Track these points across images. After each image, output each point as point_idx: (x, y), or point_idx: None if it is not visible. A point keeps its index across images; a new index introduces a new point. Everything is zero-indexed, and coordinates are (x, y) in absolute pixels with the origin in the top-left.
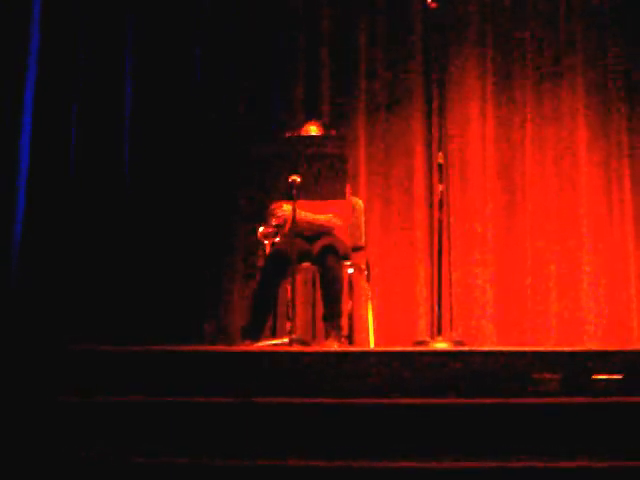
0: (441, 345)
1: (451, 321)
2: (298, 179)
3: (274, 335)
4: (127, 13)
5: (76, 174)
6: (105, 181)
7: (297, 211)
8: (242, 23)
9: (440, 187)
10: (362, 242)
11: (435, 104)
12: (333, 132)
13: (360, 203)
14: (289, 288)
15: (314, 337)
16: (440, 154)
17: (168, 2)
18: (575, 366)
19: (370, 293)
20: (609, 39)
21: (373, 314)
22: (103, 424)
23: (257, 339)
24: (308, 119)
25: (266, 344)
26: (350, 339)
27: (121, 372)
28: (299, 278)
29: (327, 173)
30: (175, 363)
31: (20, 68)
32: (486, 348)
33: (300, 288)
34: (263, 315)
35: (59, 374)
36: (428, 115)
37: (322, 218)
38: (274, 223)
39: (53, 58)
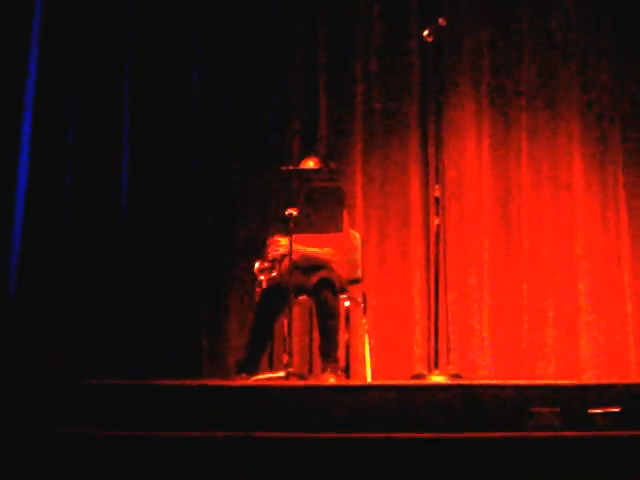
0: (438, 379)
1: (448, 354)
2: (295, 212)
3: (271, 368)
4: (125, 42)
5: (74, 208)
6: (103, 213)
7: (294, 245)
8: (239, 56)
9: (436, 220)
10: (359, 275)
11: (431, 137)
12: (332, 165)
13: (357, 236)
14: (286, 321)
15: (311, 370)
16: (437, 187)
17: (163, 39)
18: (573, 400)
19: (367, 326)
20: (603, 70)
21: (370, 347)
22: (97, 458)
23: (253, 373)
24: (305, 153)
25: (262, 378)
26: (347, 372)
27: (114, 406)
28: (296, 311)
29: (324, 206)
30: (170, 397)
31: (17, 102)
32: (484, 382)
33: (297, 321)
34: (259, 348)
35: (56, 406)
36: (425, 148)
37: (319, 251)
38: (270, 257)
39: (51, 88)
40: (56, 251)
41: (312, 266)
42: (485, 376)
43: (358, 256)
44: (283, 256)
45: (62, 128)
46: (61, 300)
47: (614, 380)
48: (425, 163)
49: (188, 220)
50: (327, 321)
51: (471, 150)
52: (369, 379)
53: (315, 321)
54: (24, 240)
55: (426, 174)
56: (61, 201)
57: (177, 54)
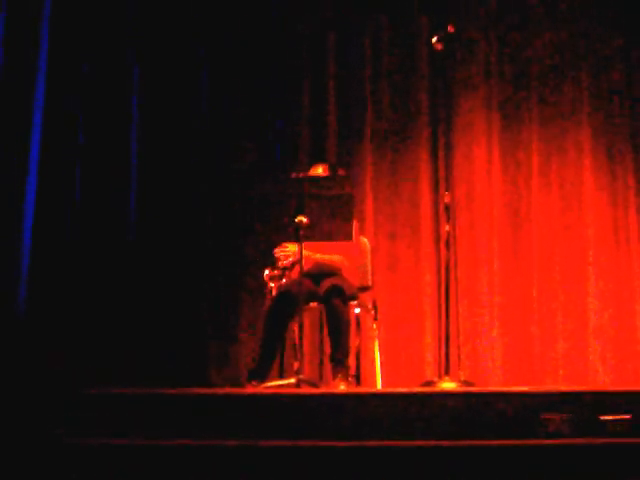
0: (449, 386)
1: (459, 361)
2: (305, 220)
3: (281, 376)
4: (131, 61)
5: (82, 217)
6: (111, 224)
7: (304, 252)
8: (246, 61)
9: (447, 227)
10: (369, 282)
11: (441, 143)
12: (341, 172)
13: (367, 243)
14: (296, 328)
15: (321, 377)
16: (447, 194)
17: (171, 46)
18: (584, 407)
19: (377, 333)
20: (612, 74)
21: (380, 354)
22: (105, 467)
23: (264, 380)
24: (314, 160)
25: (273, 385)
26: (357, 379)
27: (125, 415)
28: (306, 318)
29: (334, 214)
30: (181, 406)
31: (25, 122)
32: (494, 389)
33: (307, 328)
34: (270, 356)
35: (62, 415)
36: (434, 155)
37: (329, 259)
38: (280, 265)
39: (58, 89)
40: (61, 256)
41: (322, 273)
42: (496, 383)
43: (368, 263)
44: (293, 264)
45: (71, 129)
46: (66, 307)
47: (625, 387)
48: (435, 170)
49: (194, 227)
50: (337, 328)
51: (481, 156)
52: (379, 386)
53: (325, 328)
54: (33, 244)
55: (436, 181)
56: (66, 204)
57: (183, 58)
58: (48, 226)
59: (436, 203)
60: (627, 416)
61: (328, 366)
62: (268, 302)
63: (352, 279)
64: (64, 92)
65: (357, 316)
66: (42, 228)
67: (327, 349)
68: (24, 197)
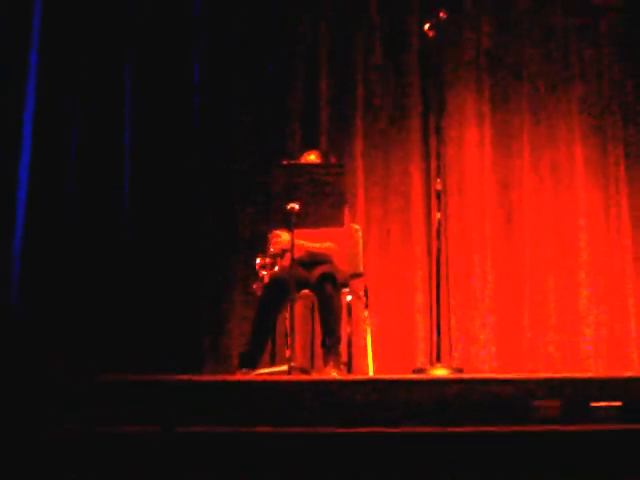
0: (440, 372)
1: (450, 348)
2: (296, 207)
3: (273, 363)
4: (126, 42)
5: (76, 198)
6: (105, 213)
7: (295, 240)
8: (240, 52)
9: (438, 214)
10: (360, 269)
11: (433, 130)
12: (333, 159)
13: (358, 230)
14: (288, 316)
15: (313, 364)
16: (438, 181)
17: (164, 37)
18: (575, 393)
19: (369, 320)
20: (605, 62)
21: (372, 341)
22: (97, 454)
23: (255, 367)
24: (306, 147)
25: (264, 372)
26: (349, 366)
27: (115, 402)
28: (297, 306)
29: (325, 201)
30: (172, 393)
31: (18, 102)
32: (485, 376)
33: (299, 316)
34: (261, 343)
35: (56, 403)
36: (426, 142)
37: (320, 246)
38: (272, 252)
39: (51, 88)
40: (58, 251)
41: (314, 261)
42: (487, 369)
43: (359, 250)
44: (284, 251)
45: (64, 128)
46: (61, 301)
47: (616, 374)
48: (426, 156)
49: (190, 215)
50: (329, 315)
51: (472, 143)
52: (371, 373)
53: (317, 315)
54: (26, 237)
55: (427, 168)
56: (63, 200)
57: (177, 54)
58: (45, 223)
59: (427, 190)
60: (618, 403)
61: (320, 353)
62: (259, 290)
63: (343, 266)
64: (57, 91)
65: (348, 303)
66: (39, 225)
67: (319, 336)
68: (15, 199)
